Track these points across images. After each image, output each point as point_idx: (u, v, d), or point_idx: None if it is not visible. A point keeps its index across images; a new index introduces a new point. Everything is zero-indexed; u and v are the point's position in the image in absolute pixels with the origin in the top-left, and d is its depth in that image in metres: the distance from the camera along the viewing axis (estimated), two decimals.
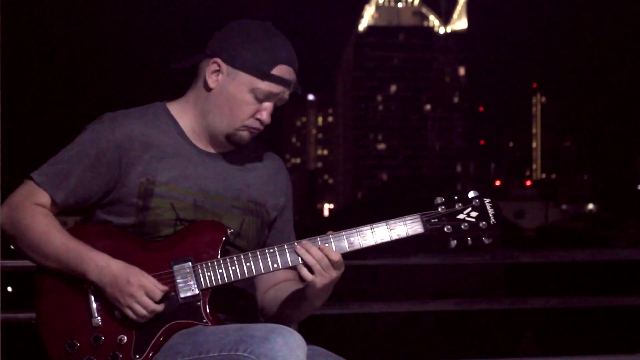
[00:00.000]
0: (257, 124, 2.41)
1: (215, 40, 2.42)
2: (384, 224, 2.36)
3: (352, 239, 2.35)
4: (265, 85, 2.36)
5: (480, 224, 2.36)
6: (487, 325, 26.91)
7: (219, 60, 2.39)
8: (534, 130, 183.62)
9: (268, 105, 2.40)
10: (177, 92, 2.55)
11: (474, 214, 2.37)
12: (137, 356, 2.29)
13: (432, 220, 2.36)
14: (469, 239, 2.37)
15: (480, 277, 32.08)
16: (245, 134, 2.42)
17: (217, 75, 2.40)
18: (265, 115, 2.40)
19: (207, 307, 2.32)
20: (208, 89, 2.41)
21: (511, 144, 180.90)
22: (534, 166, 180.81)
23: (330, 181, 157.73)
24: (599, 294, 5.18)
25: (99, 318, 2.31)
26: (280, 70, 2.37)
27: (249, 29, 2.40)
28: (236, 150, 2.48)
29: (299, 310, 2.46)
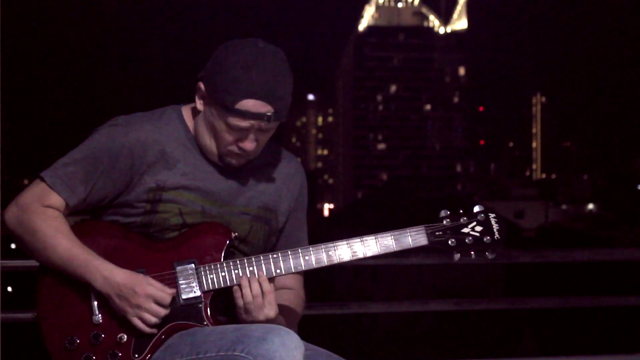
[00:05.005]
0: (240, 151, 2.35)
1: (208, 61, 2.36)
2: (389, 234, 2.37)
3: (355, 247, 2.36)
4: (231, 120, 2.29)
5: (485, 239, 2.39)
6: (487, 325, 26.90)
7: (201, 85, 2.36)
8: (534, 130, 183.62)
9: (247, 134, 2.33)
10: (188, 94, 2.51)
11: (478, 228, 2.39)
12: (137, 355, 2.30)
13: (437, 233, 2.38)
14: (472, 253, 2.39)
15: (480, 277, 32.07)
16: (232, 160, 2.38)
17: (202, 98, 2.37)
18: (247, 145, 2.33)
19: (209, 309, 2.33)
20: (198, 110, 2.39)
21: (511, 144, 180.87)
22: (534, 166, 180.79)
23: (330, 181, 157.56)
24: (599, 294, 5.17)
25: (100, 316, 2.32)
26: (247, 104, 2.27)
27: (229, 55, 2.30)
28: None
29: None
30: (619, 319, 24.72)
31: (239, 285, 2.32)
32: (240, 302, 2.31)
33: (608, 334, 25.17)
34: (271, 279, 2.35)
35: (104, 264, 2.29)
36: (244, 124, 2.29)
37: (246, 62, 2.28)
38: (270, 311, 2.31)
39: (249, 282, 2.31)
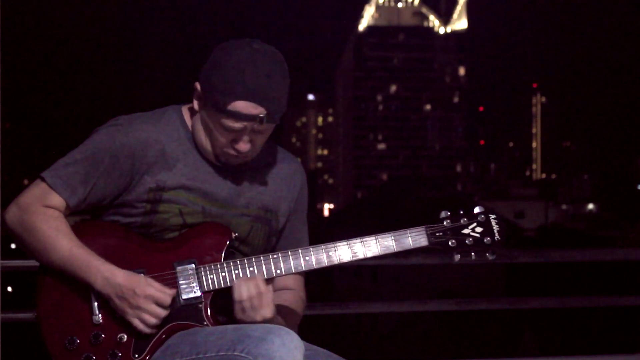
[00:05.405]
0: (235, 153, 2.35)
1: (206, 62, 2.36)
2: (390, 235, 2.36)
3: (355, 248, 2.36)
4: (224, 121, 2.29)
5: (485, 240, 2.38)
6: (487, 325, 26.90)
7: (198, 86, 2.35)
8: (534, 130, 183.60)
9: (241, 136, 2.32)
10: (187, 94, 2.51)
11: (479, 229, 2.39)
12: (137, 355, 2.30)
13: (437, 234, 2.37)
14: (472, 254, 2.39)
15: (480, 277, 32.07)
16: (229, 160, 2.38)
17: (198, 99, 2.37)
18: (241, 146, 2.33)
19: (209, 309, 2.33)
20: (195, 110, 2.40)
21: (511, 144, 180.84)
22: (534, 166, 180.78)
23: (330, 181, 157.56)
24: (599, 294, 5.17)
25: (100, 316, 2.32)
26: (238, 106, 2.26)
27: (223, 56, 2.29)
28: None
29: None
30: (619, 319, 24.71)
31: (237, 286, 2.31)
32: (237, 302, 2.31)
33: (608, 334, 25.15)
34: (270, 280, 2.35)
35: (104, 265, 2.29)
36: (237, 125, 2.29)
37: (240, 64, 2.27)
38: (267, 312, 2.31)
39: (246, 282, 2.31)
